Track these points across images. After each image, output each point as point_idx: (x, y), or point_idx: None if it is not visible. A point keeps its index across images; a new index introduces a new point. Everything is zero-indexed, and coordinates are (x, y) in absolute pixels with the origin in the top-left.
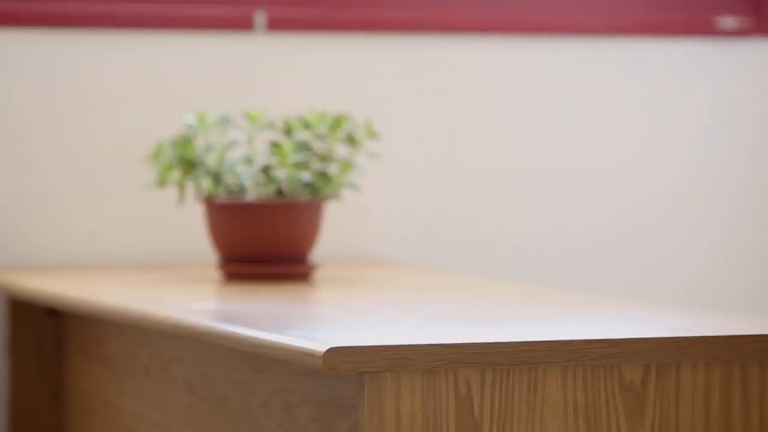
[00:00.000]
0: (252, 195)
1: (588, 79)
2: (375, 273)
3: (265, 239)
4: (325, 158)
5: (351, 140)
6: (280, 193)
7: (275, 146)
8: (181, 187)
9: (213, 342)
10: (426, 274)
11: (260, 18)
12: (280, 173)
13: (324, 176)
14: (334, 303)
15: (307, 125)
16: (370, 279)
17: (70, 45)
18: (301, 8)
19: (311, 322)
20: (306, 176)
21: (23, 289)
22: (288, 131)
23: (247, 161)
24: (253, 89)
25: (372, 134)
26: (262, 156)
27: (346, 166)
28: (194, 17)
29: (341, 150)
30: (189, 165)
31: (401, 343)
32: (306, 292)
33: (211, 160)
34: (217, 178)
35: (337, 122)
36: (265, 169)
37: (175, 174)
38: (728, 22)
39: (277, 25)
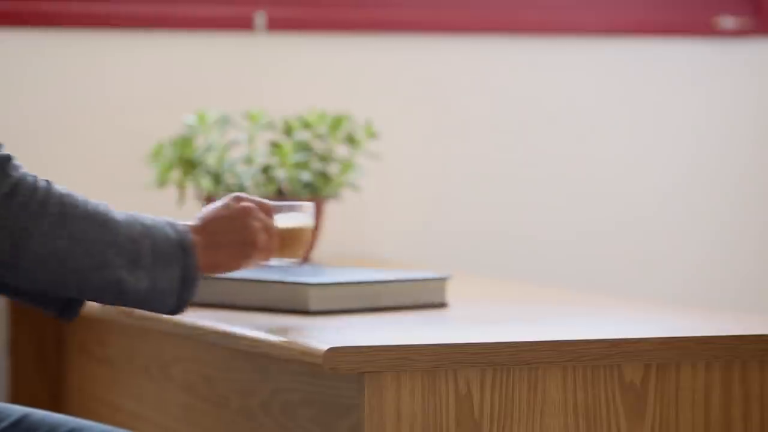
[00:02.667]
0: (252, 195)
1: (588, 79)
2: None
3: None
4: (325, 158)
5: (351, 140)
6: (280, 193)
7: (275, 146)
8: (181, 187)
9: (213, 342)
10: None
11: (260, 18)
12: (280, 173)
13: (324, 176)
14: None
15: (307, 125)
16: None
17: (70, 45)
18: (301, 8)
19: (311, 322)
20: (306, 176)
21: None
22: (288, 131)
23: (247, 161)
24: (253, 89)
25: (372, 134)
26: (262, 156)
27: (346, 166)
28: (194, 17)
29: (341, 150)
30: (189, 165)
31: (401, 343)
32: None
33: (211, 160)
34: (217, 178)
35: (337, 122)
36: (265, 169)
37: (175, 174)
38: (728, 22)
39: (277, 25)
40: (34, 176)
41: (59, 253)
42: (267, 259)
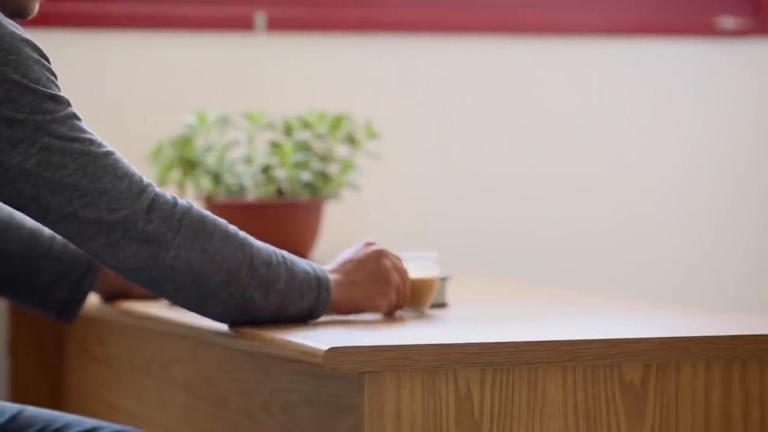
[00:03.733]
0: (252, 195)
1: (588, 79)
2: None
3: (265, 239)
4: (325, 158)
5: (351, 140)
6: (280, 193)
7: (275, 146)
8: (181, 187)
9: (213, 342)
10: None
11: (260, 18)
12: (280, 173)
13: (324, 176)
14: None
15: (307, 125)
16: None
17: (69, 45)
18: (301, 8)
19: (311, 321)
20: (306, 176)
21: None
22: (288, 131)
23: (247, 161)
24: (253, 89)
25: (372, 134)
26: (262, 156)
27: (346, 166)
28: (195, 17)
29: (341, 150)
30: (189, 165)
31: (401, 343)
32: None
33: (211, 160)
34: (217, 178)
35: (337, 122)
36: (265, 169)
37: (175, 174)
38: (728, 22)
39: (277, 25)
40: (174, 196)
41: (192, 265)
42: (401, 303)
